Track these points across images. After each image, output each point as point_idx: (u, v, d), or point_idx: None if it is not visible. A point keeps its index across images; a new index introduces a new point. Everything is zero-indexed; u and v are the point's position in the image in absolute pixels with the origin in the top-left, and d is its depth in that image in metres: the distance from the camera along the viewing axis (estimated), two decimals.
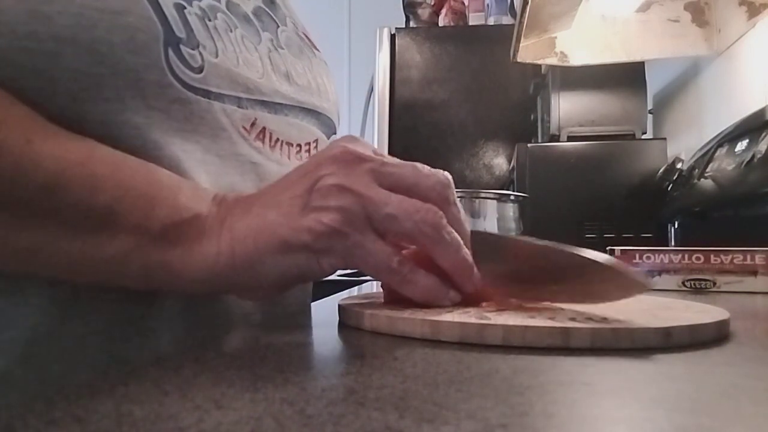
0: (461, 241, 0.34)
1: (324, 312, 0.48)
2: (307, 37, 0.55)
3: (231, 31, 0.41)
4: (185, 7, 0.37)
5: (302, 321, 0.42)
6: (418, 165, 0.34)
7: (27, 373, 0.34)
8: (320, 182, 0.32)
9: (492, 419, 0.16)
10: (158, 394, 0.20)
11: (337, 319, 0.38)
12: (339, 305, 0.38)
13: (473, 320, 0.29)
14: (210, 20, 0.39)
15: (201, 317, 0.39)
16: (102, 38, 0.33)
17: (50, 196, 0.30)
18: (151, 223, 0.32)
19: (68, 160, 0.31)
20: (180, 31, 0.36)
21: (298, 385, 0.21)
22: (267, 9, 0.50)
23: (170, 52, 0.35)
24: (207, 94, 0.38)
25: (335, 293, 0.59)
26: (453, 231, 0.34)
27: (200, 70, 0.37)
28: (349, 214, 0.31)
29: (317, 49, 0.56)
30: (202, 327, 0.39)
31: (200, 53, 0.37)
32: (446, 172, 0.35)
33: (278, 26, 0.50)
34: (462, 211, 0.35)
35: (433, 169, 0.34)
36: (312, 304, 0.55)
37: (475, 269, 0.35)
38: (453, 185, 0.35)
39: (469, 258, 0.35)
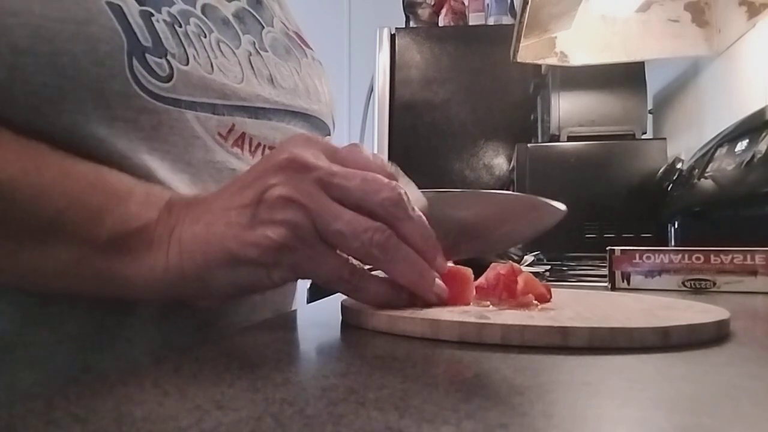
0: (412, 257, 0.33)
1: (324, 312, 0.48)
2: (298, 36, 0.54)
3: (205, 37, 0.41)
4: (153, 15, 0.37)
5: (301, 321, 0.42)
6: (369, 176, 0.32)
7: None
8: (267, 193, 0.31)
9: (492, 419, 0.16)
10: (158, 394, 0.20)
11: (337, 319, 0.38)
12: (342, 304, 0.38)
13: (472, 319, 0.30)
14: (180, 26, 0.39)
15: (179, 326, 0.39)
16: (63, 49, 0.32)
17: None
18: (98, 234, 0.32)
19: (12, 170, 0.30)
20: (146, 40, 0.35)
21: (298, 385, 0.21)
22: (251, 10, 0.49)
23: (135, 62, 0.35)
24: (177, 102, 0.37)
25: (335, 293, 0.58)
26: (404, 248, 0.33)
27: (168, 78, 0.36)
28: (296, 228, 0.31)
29: (310, 48, 0.55)
30: (180, 335, 0.39)
31: (168, 61, 0.37)
32: (396, 184, 0.33)
33: (263, 28, 0.49)
34: (420, 218, 0.33)
35: (384, 182, 0.32)
36: (312, 304, 0.55)
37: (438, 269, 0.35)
38: (404, 198, 0.33)
39: (425, 272, 0.34)
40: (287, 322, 0.40)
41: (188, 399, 0.19)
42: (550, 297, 0.37)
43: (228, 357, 0.27)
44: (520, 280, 0.37)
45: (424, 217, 0.34)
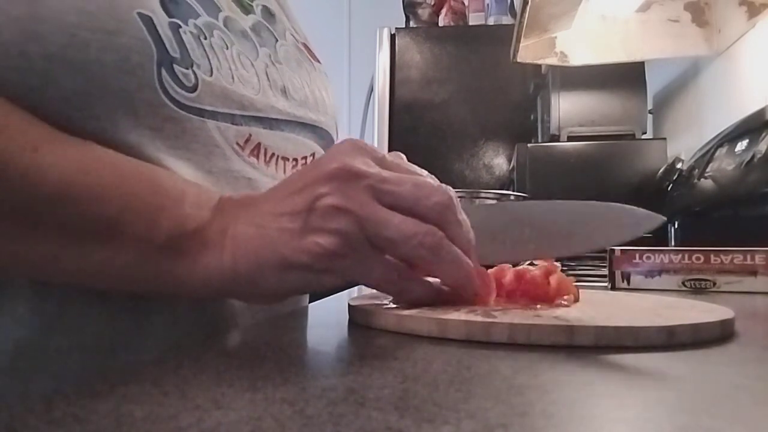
0: (461, 258, 0.34)
1: (325, 312, 0.48)
2: (307, 48, 0.55)
3: (227, 49, 0.42)
4: (180, 26, 0.37)
5: (301, 321, 0.42)
6: (420, 181, 0.33)
7: (5, 387, 0.34)
8: (319, 201, 0.32)
9: (492, 419, 0.16)
10: (158, 394, 0.20)
11: (343, 318, 0.38)
12: (349, 304, 0.38)
13: (479, 318, 0.30)
14: (206, 38, 0.40)
15: (192, 334, 0.39)
16: (94, 58, 0.33)
17: (56, 207, 0.30)
18: (156, 235, 0.32)
19: (74, 170, 0.31)
20: (174, 51, 0.36)
21: (298, 385, 0.21)
22: (266, 23, 0.50)
23: (163, 72, 0.35)
24: (200, 112, 0.38)
25: (335, 293, 0.59)
26: (453, 249, 0.33)
27: (194, 89, 0.37)
28: (347, 236, 0.31)
29: (318, 61, 0.56)
30: (193, 342, 0.39)
31: (194, 72, 0.38)
32: (448, 188, 0.34)
33: (277, 41, 0.50)
34: (465, 221, 0.35)
35: (434, 185, 0.34)
36: (313, 304, 0.55)
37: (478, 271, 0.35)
38: (455, 202, 0.34)
39: (471, 272, 0.35)
40: (289, 321, 0.40)
41: (188, 399, 0.19)
42: (577, 298, 0.38)
43: (228, 357, 0.27)
44: (552, 280, 0.37)
45: (468, 220, 0.35)
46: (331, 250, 0.31)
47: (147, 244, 0.32)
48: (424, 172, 0.35)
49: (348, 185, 0.32)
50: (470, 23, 1.85)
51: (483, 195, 0.98)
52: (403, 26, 1.99)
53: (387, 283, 0.34)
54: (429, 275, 0.36)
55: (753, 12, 1.04)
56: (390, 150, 0.39)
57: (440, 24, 1.93)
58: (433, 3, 1.97)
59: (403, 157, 0.37)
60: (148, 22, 0.35)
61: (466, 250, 0.34)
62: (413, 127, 1.73)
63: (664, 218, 0.39)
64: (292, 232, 0.32)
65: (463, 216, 0.35)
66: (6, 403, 0.33)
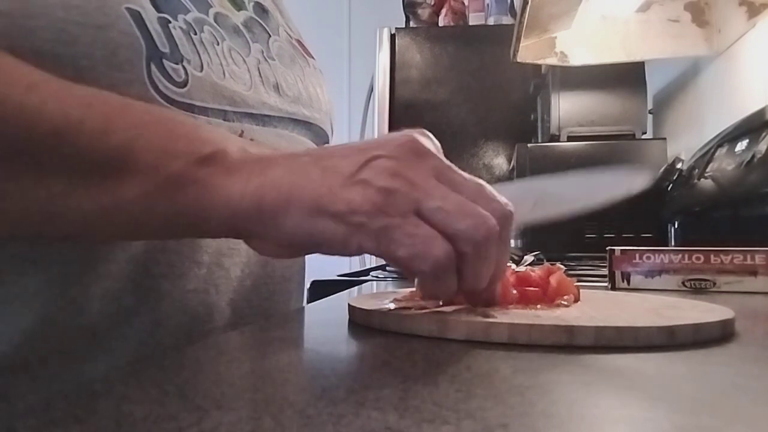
0: (500, 263, 0.31)
1: (324, 312, 0.48)
2: (301, 45, 0.55)
3: (218, 44, 0.41)
4: (170, 22, 0.37)
5: (301, 321, 0.42)
6: (485, 185, 0.31)
7: (5, 387, 0.33)
8: (376, 161, 0.30)
9: (492, 419, 0.16)
10: (158, 394, 0.20)
11: (342, 318, 0.38)
12: (349, 304, 0.38)
13: (479, 318, 0.30)
14: (195, 34, 0.39)
15: (172, 335, 0.39)
16: (83, 53, 0.32)
17: (60, 142, 0.29)
18: (170, 161, 0.30)
19: (75, 104, 0.29)
20: (163, 46, 0.36)
21: (298, 385, 0.21)
22: (259, 19, 0.50)
23: (153, 67, 0.35)
24: (191, 107, 0.38)
25: (335, 293, 0.59)
26: (501, 250, 0.31)
27: (184, 84, 0.37)
28: (394, 196, 0.29)
29: (312, 57, 0.56)
30: (174, 342, 0.39)
31: (184, 67, 0.37)
32: (507, 202, 0.32)
33: (270, 36, 0.50)
34: (510, 246, 0.33)
35: (498, 196, 0.31)
36: (312, 304, 0.55)
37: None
38: (512, 216, 0.31)
39: (493, 293, 0.34)
40: (289, 321, 0.40)
41: (188, 399, 0.19)
42: (577, 298, 0.37)
43: (228, 357, 0.27)
44: (553, 280, 0.37)
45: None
46: (373, 203, 0.29)
47: (159, 172, 0.30)
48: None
49: (412, 157, 0.30)
50: (470, 23, 1.86)
51: None
52: (403, 26, 1.99)
53: (423, 258, 0.29)
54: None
55: (753, 12, 1.04)
56: None
57: (440, 24, 1.93)
58: (433, 3, 1.97)
59: None
60: (137, 17, 0.35)
61: (501, 269, 0.32)
62: (413, 127, 1.73)
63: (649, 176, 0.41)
64: (337, 178, 0.30)
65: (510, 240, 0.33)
66: (6, 403, 0.33)
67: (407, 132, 0.32)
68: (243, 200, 0.30)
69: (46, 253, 0.34)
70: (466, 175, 0.32)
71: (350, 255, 0.31)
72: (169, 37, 0.37)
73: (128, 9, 0.34)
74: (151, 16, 0.36)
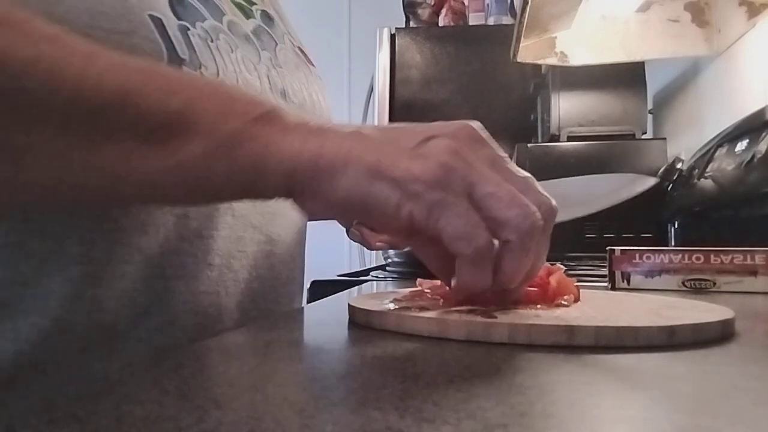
0: (538, 257, 0.32)
1: (324, 312, 0.48)
2: (302, 52, 0.56)
3: (232, 52, 0.42)
4: (189, 29, 0.38)
5: (301, 321, 0.42)
6: (533, 179, 0.32)
7: (5, 387, 0.33)
8: (435, 140, 0.31)
9: (492, 419, 0.16)
10: (158, 394, 0.20)
11: (342, 318, 0.38)
12: (349, 304, 0.38)
13: (479, 318, 0.30)
14: (212, 41, 0.40)
15: (183, 334, 0.39)
16: None
17: (124, 106, 0.29)
18: (229, 120, 0.30)
19: (132, 70, 0.30)
20: (183, 53, 0.37)
21: (298, 385, 0.21)
22: (266, 27, 0.51)
23: None
24: None
25: (335, 293, 0.59)
26: (543, 245, 0.32)
27: None
28: (452, 173, 0.29)
29: (312, 65, 0.57)
30: (186, 343, 0.39)
31: (201, 74, 0.38)
32: (555, 201, 0.33)
33: (276, 44, 0.51)
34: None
35: (546, 195, 0.32)
36: (312, 304, 0.55)
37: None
38: (555, 215, 0.33)
39: (521, 292, 0.34)
40: (289, 321, 0.40)
41: (188, 399, 0.19)
42: (577, 298, 0.37)
43: (228, 357, 0.27)
44: (553, 280, 0.37)
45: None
46: (432, 175, 0.29)
47: (221, 132, 0.30)
48: None
49: (470, 144, 0.31)
50: (470, 23, 1.85)
51: None
52: (403, 26, 1.99)
53: (467, 241, 0.29)
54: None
55: (753, 12, 1.04)
56: None
57: (440, 24, 1.93)
58: (433, 3, 1.97)
59: None
60: (159, 24, 0.36)
61: (537, 267, 0.33)
62: None
63: (654, 180, 0.40)
64: (397, 148, 0.31)
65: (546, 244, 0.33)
66: (6, 403, 0.33)
67: (463, 121, 0.33)
68: (301, 156, 0.30)
69: (66, 254, 0.35)
70: (516, 167, 0.33)
71: (398, 223, 0.31)
72: (189, 44, 0.38)
73: (151, 16, 0.35)
74: (171, 23, 0.37)
